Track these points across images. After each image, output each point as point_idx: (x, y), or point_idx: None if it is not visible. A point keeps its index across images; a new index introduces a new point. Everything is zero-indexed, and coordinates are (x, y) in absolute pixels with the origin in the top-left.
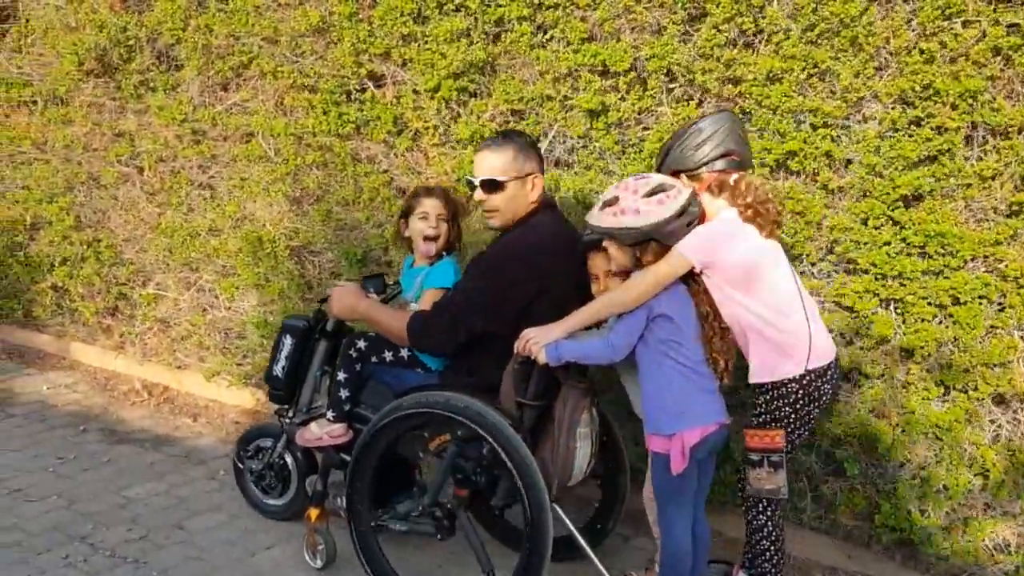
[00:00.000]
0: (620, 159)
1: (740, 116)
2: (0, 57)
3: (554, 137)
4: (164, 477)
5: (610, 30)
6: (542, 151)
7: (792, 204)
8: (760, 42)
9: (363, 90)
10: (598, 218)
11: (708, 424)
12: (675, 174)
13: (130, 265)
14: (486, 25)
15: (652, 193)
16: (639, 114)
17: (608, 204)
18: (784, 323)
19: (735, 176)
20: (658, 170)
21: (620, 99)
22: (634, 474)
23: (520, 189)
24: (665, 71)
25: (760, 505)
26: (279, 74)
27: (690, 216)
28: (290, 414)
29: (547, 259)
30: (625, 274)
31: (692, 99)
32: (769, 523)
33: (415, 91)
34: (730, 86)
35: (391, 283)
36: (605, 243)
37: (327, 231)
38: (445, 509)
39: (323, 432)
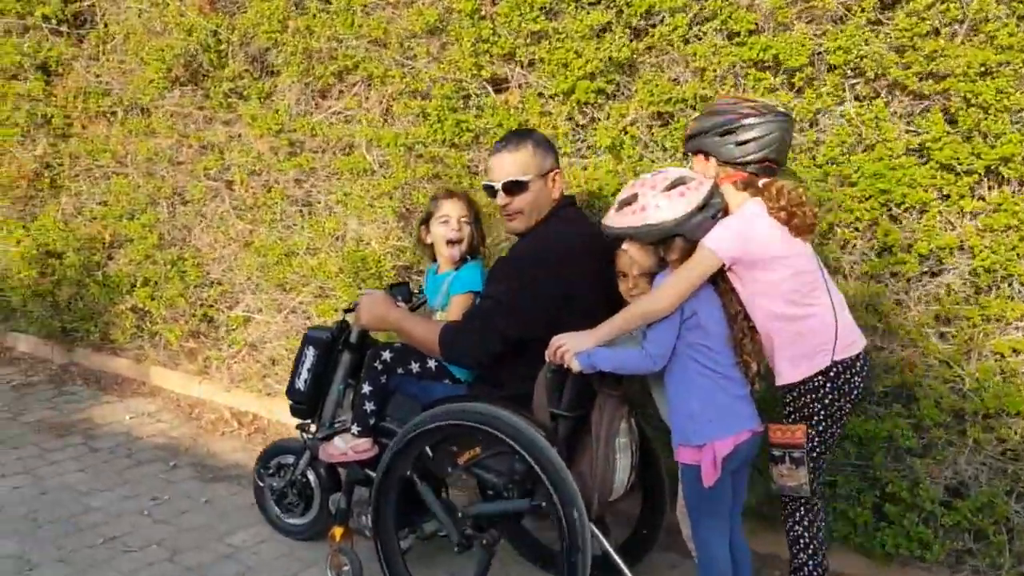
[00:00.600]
0: (793, 164)
1: (794, 122)
2: (77, 65)
3: None
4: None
5: (783, 20)
6: None
7: (1004, 217)
8: (969, 31)
9: (482, 95)
10: (616, 219)
11: (740, 432)
12: (699, 153)
13: (217, 286)
14: (632, 18)
15: (672, 187)
16: (815, 114)
17: (626, 203)
18: (809, 315)
19: (764, 180)
20: (686, 141)
21: (793, 98)
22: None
23: (543, 187)
24: (851, 66)
25: (797, 515)
26: (388, 79)
27: (714, 208)
28: (313, 429)
29: (573, 258)
30: (651, 275)
31: (878, 96)
32: (807, 534)
33: (541, 95)
34: (930, 82)
35: (417, 292)
36: (625, 246)
37: None
38: (477, 525)
39: (348, 447)
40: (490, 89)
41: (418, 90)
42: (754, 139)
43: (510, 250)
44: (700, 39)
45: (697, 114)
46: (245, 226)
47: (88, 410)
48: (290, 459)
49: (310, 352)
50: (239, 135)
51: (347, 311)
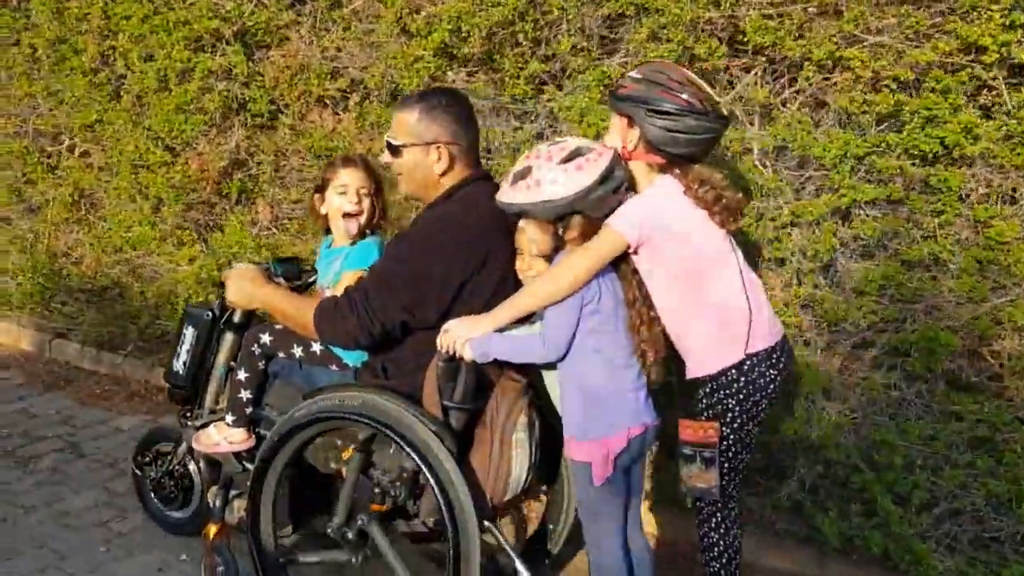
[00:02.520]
0: None
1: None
2: (294, 35)
3: None
4: None
5: None
6: None
7: None
8: None
9: None
10: (510, 194)
11: (634, 426)
12: (623, 116)
13: None
14: None
15: (569, 159)
16: None
17: (520, 177)
18: (722, 306)
19: (679, 169)
20: (613, 96)
21: None
22: None
23: (423, 158)
24: None
25: (713, 520)
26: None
27: (616, 181)
28: (192, 416)
29: (475, 241)
30: (549, 255)
31: None
32: (721, 542)
33: None
34: None
35: (308, 268)
36: (521, 223)
37: None
38: (358, 528)
39: (222, 438)
40: None
41: None
42: (686, 133)
43: (410, 224)
44: None
45: (636, 70)
46: None
47: None
48: (169, 447)
49: (189, 331)
50: (543, 134)
51: (221, 286)
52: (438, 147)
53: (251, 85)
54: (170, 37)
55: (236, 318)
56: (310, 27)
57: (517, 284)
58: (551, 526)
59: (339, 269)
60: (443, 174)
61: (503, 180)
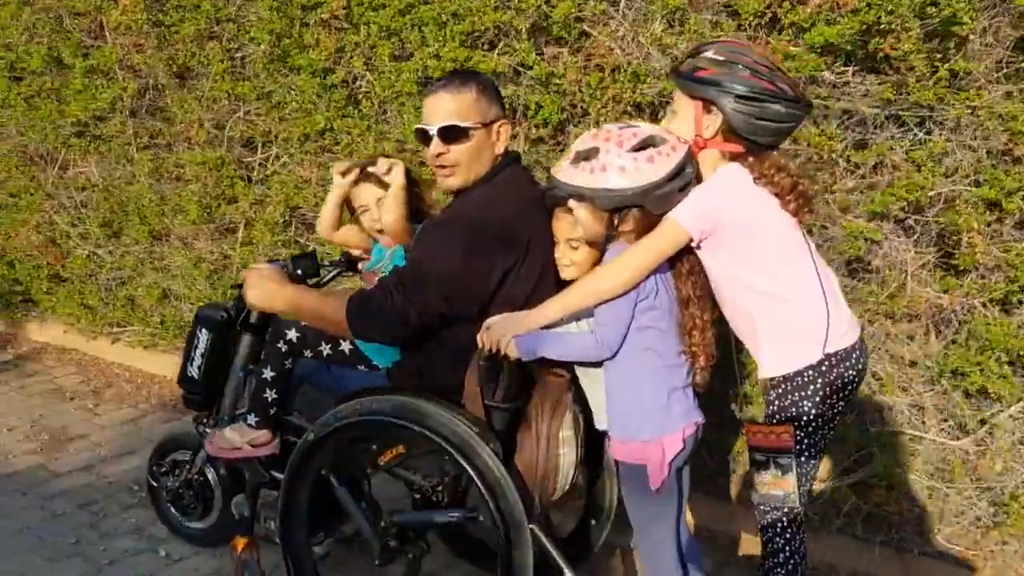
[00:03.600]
0: None
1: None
2: (599, 32)
3: None
4: None
5: None
6: None
7: None
8: None
9: None
10: (569, 173)
11: (687, 425)
12: (699, 100)
13: None
14: None
15: (641, 147)
16: None
17: (583, 157)
18: (797, 300)
19: (754, 157)
20: (687, 78)
21: None
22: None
23: (486, 139)
24: None
25: (778, 526)
26: None
27: (685, 179)
28: (210, 422)
29: (515, 229)
30: (591, 245)
31: None
32: (787, 547)
33: None
34: None
35: (327, 264)
36: (572, 205)
37: None
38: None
39: (243, 440)
40: None
41: None
42: (774, 121)
43: (443, 211)
44: None
45: (710, 49)
46: None
47: None
48: (187, 456)
49: (203, 334)
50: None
51: (236, 287)
52: (499, 126)
53: (546, 88)
54: (442, 32)
55: (253, 318)
56: (631, 21)
57: (556, 274)
58: (593, 521)
59: (390, 262)
60: (498, 155)
61: (564, 158)
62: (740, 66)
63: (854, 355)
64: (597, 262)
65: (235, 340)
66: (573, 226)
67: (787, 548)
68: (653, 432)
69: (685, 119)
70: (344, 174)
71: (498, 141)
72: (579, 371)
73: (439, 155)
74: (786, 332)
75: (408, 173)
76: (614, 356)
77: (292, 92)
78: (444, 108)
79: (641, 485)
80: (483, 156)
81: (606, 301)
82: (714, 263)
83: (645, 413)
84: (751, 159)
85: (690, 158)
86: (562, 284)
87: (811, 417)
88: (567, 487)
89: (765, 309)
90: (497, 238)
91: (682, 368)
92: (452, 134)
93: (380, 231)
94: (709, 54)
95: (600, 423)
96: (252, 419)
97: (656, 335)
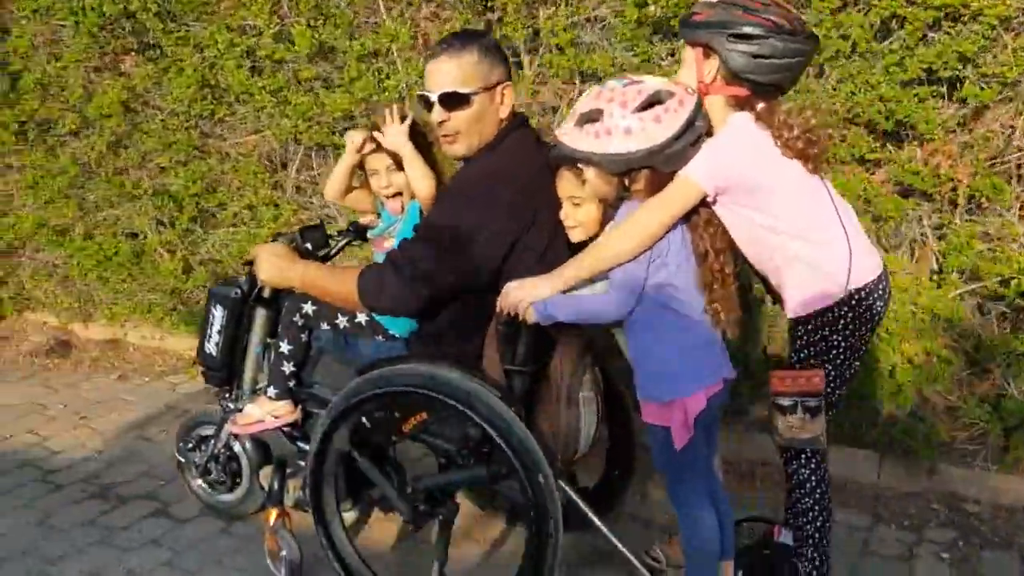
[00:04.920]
0: None
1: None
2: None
3: None
4: None
5: None
6: None
7: None
8: None
9: None
10: (574, 137)
11: (713, 384)
12: (698, 46)
13: None
14: None
15: (647, 106)
16: None
17: (587, 120)
18: (818, 237)
19: (764, 105)
20: (685, 26)
21: None
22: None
23: (489, 104)
24: None
25: (802, 457)
26: None
27: (696, 132)
28: (232, 397)
29: (527, 193)
30: (605, 202)
31: None
32: (813, 477)
33: None
34: None
35: (335, 235)
36: (582, 166)
37: None
38: (431, 498)
39: (265, 413)
40: None
41: None
42: (773, 57)
43: (452, 178)
44: None
45: None
46: None
47: None
48: (211, 431)
49: (218, 311)
50: None
51: (247, 264)
52: (502, 88)
53: None
54: None
55: (266, 293)
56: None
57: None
58: (616, 472)
59: (399, 232)
60: (503, 119)
61: (567, 119)
62: (734, 5)
63: (880, 286)
64: (603, 219)
65: (250, 315)
66: (574, 184)
67: (812, 478)
68: (674, 393)
69: (687, 67)
70: (359, 149)
71: (502, 104)
72: (617, 334)
73: (441, 123)
74: (811, 271)
75: (419, 134)
76: (632, 315)
77: None
78: (445, 73)
79: (666, 445)
80: (487, 121)
81: (621, 264)
82: (730, 215)
83: (664, 375)
84: (761, 106)
85: (699, 109)
86: (573, 248)
87: (840, 350)
88: (588, 446)
89: (788, 252)
90: (506, 206)
91: (705, 324)
92: (453, 101)
93: (389, 196)
94: None
95: None
96: (272, 391)
97: (673, 292)
